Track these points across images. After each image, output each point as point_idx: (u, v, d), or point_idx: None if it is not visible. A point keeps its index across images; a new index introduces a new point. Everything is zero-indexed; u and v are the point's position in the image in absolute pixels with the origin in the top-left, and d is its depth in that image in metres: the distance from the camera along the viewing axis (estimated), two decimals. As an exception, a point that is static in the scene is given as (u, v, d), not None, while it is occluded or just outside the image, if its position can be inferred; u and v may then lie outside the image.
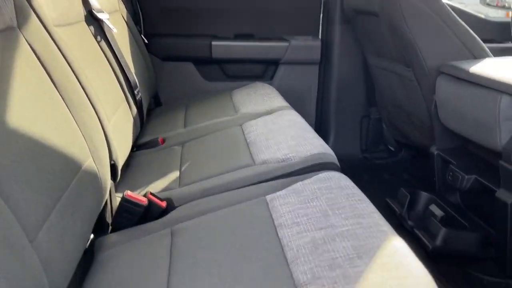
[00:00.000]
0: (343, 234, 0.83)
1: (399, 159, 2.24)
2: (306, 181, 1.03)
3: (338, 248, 0.79)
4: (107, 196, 0.98)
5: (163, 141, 1.59)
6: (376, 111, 2.31)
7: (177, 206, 1.10)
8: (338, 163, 1.17)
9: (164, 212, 1.10)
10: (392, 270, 0.72)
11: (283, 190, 1.01)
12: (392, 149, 2.33)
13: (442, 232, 1.34)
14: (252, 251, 0.82)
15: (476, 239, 1.35)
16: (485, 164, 1.45)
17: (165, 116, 1.93)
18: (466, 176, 1.40)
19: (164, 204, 1.10)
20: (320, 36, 2.26)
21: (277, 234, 0.87)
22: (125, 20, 1.81)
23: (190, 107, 1.95)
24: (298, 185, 1.02)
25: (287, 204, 0.96)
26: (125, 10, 1.88)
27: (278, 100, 1.77)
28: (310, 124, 1.51)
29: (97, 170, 0.90)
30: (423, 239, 1.38)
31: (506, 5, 3.41)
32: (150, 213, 1.08)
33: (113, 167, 1.05)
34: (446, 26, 1.53)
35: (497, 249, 1.32)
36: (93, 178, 0.88)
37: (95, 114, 0.97)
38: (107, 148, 1.00)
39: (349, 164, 2.16)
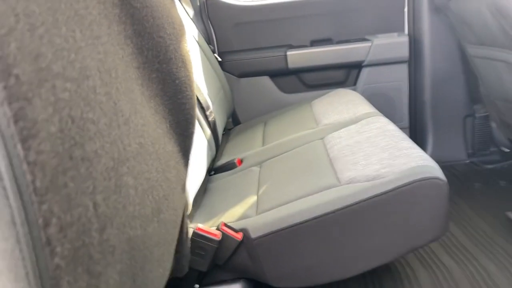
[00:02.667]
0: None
1: (516, 162, 1.90)
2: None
3: None
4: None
5: (241, 162, 1.49)
6: (482, 108, 1.99)
7: (254, 238, 0.98)
8: (443, 177, 0.95)
9: (240, 244, 0.98)
10: None
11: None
12: (506, 150, 1.98)
13: None
14: None
15: None
16: None
17: (243, 134, 1.84)
18: None
19: (239, 236, 0.98)
20: (406, 31, 2.02)
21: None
22: (196, 40, 1.76)
23: (269, 123, 1.84)
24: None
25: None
26: (196, 29, 1.84)
27: (364, 107, 1.58)
28: (404, 131, 1.31)
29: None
30: None
31: None
32: (224, 247, 0.97)
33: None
34: None
35: None
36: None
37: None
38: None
39: (454, 172, 1.88)
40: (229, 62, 2.08)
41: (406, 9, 2.01)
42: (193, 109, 0.81)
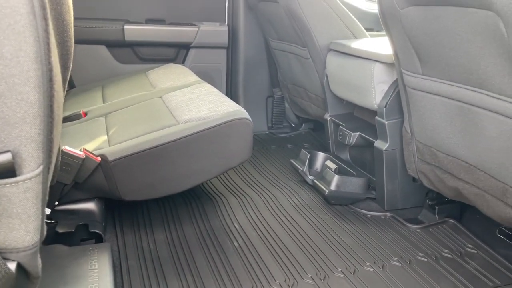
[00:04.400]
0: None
1: (299, 132, 2.55)
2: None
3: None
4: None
5: (85, 114, 1.67)
6: (278, 91, 2.58)
7: (111, 161, 1.23)
8: (250, 118, 1.38)
9: (99, 166, 1.22)
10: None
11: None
12: (293, 125, 2.63)
13: (335, 178, 1.63)
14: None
15: (361, 183, 1.66)
16: (366, 124, 1.78)
17: (81, 95, 1.99)
18: (352, 134, 1.71)
19: (98, 159, 1.22)
20: (226, 22, 2.47)
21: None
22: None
23: (107, 87, 2.03)
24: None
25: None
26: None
27: (193, 77, 1.94)
28: None
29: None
30: (321, 186, 1.66)
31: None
32: (85, 167, 1.19)
33: None
34: (334, 12, 1.83)
35: (377, 190, 1.64)
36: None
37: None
38: None
39: (257, 139, 2.41)
40: (66, 28, 2.18)
41: (226, 4, 2.46)
42: (72, 47, 1.02)
